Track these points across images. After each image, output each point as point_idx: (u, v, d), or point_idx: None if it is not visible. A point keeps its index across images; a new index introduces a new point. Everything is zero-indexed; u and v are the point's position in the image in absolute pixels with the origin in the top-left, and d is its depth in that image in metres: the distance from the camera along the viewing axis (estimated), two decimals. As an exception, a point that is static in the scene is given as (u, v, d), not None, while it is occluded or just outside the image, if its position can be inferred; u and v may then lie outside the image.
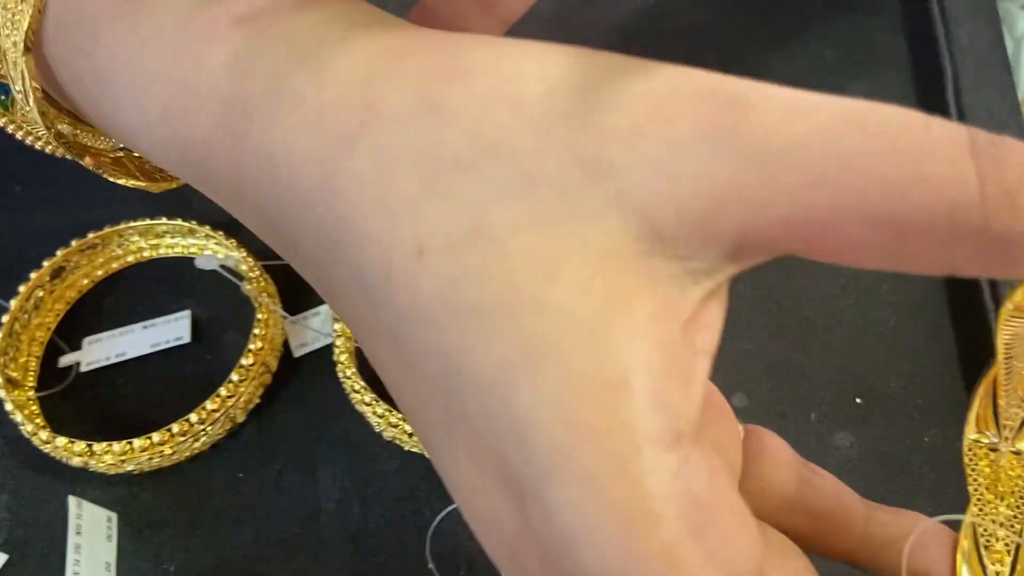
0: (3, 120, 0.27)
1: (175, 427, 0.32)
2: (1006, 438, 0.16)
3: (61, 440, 0.31)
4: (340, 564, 0.32)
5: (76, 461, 0.32)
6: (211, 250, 0.36)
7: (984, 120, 0.38)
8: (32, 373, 0.35)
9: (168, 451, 0.32)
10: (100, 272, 0.37)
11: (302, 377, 0.35)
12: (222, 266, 0.33)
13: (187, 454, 0.33)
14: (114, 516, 0.32)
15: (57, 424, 0.33)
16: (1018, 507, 0.16)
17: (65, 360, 0.35)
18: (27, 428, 0.32)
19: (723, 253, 0.16)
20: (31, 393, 0.34)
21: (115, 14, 0.20)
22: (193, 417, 0.32)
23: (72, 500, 0.31)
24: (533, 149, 0.16)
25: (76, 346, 0.35)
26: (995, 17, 0.43)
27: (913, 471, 0.32)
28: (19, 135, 0.26)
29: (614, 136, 0.16)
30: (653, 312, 0.16)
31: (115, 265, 0.37)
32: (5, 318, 0.34)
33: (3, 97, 0.27)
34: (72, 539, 0.30)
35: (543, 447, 0.15)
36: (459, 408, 0.16)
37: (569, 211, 0.16)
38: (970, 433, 0.17)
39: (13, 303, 0.34)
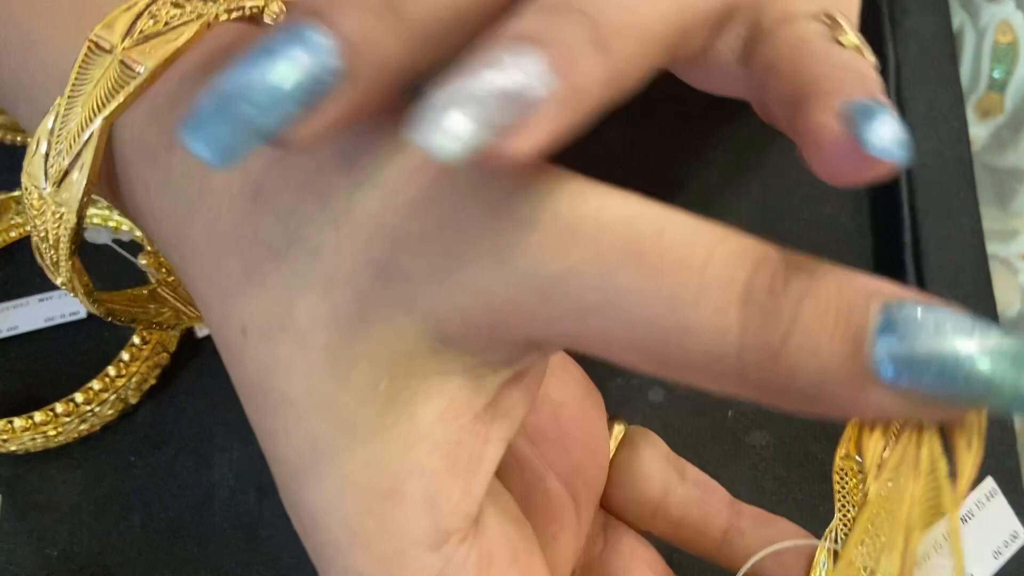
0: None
1: (59, 407, 0.30)
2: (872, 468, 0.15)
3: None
4: (231, 553, 0.30)
5: (-46, 438, 0.30)
6: (114, 222, 0.35)
7: (924, 112, 0.37)
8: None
9: (52, 432, 0.30)
10: (-5, 242, 0.35)
11: (203, 359, 0.34)
12: (115, 240, 0.32)
13: (75, 435, 0.31)
14: (-3, 498, 0.31)
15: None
16: (877, 527, 0.15)
17: (-50, 333, 0.33)
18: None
19: (514, 351, 0.16)
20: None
21: None
22: (79, 397, 0.30)
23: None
24: (333, 248, 0.16)
25: (-35, 318, 0.34)
26: (945, 7, 0.42)
27: (824, 468, 0.31)
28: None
29: (403, 242, 0.16)
30: (440, 411, 0.16)
31: (13, 234, 0.35)
32: None
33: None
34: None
35: (324, 545, 0.17)
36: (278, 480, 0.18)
37: (362, 312, 0.16)
38: (840, 452, 0.16)
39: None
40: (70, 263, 0.21)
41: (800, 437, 0.32)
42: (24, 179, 0.21)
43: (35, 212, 0.21)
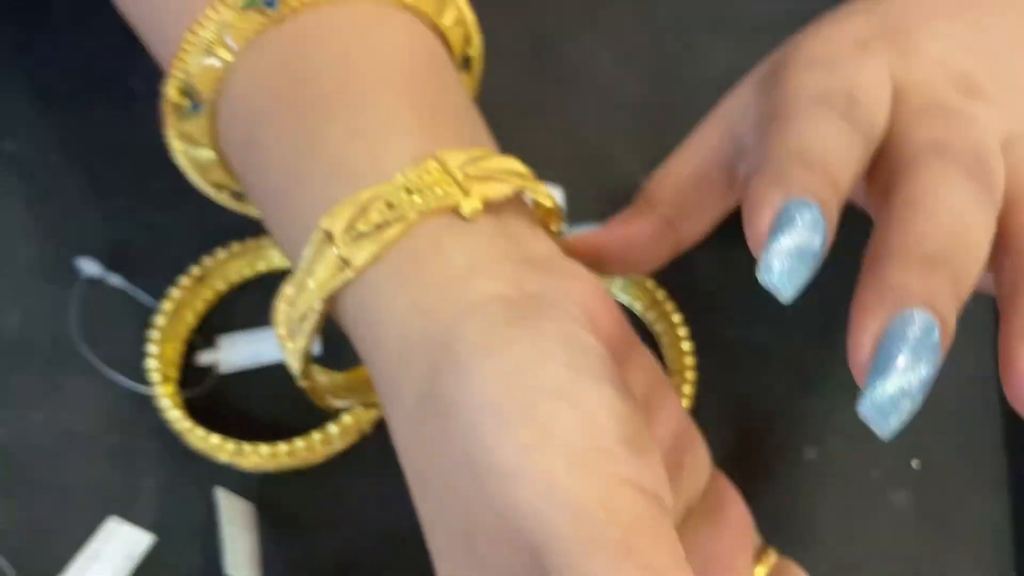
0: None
1: (316, 435, 0.35)
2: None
3: (215, 438, 0.35)
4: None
5: (223, 458, 0.35)
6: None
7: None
8: (175, 370, 0.38)
9: (304, 454, 0.36)
10: (236, 278, 0.40)
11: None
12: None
13: (319, 460, 0.36)
14: (252, 508, 0.36)
15: (196, 421, 0.37)
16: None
17: (204, 359, 0.38)
18: (184, 424, 0.35)
19: None
20: (173, 388, 0.37)
21: None
22: (333, 429, 0.35)
23: (220, 492, 0.35)
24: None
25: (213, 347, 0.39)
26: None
27: (959, 533, 0.36)
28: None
29: None
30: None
31: (247, 272, 0.40)
32: (160, 318, 0.37)
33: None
34: (226, 529, 0.34)
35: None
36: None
37: None
38: None
39: (166, 303, 0.38)
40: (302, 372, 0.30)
41: (936, 500, 0.37)
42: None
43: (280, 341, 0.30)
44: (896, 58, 0.28)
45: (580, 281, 0.27)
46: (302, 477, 0.37)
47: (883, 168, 0.27)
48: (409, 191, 0.26)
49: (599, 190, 0.43)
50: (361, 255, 0.26)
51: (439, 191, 0.26)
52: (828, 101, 0.26)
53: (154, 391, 0.36)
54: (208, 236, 0.40)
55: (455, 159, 0.27)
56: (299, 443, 0.35)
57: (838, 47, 0.29)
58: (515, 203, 0.28)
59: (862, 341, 0.23)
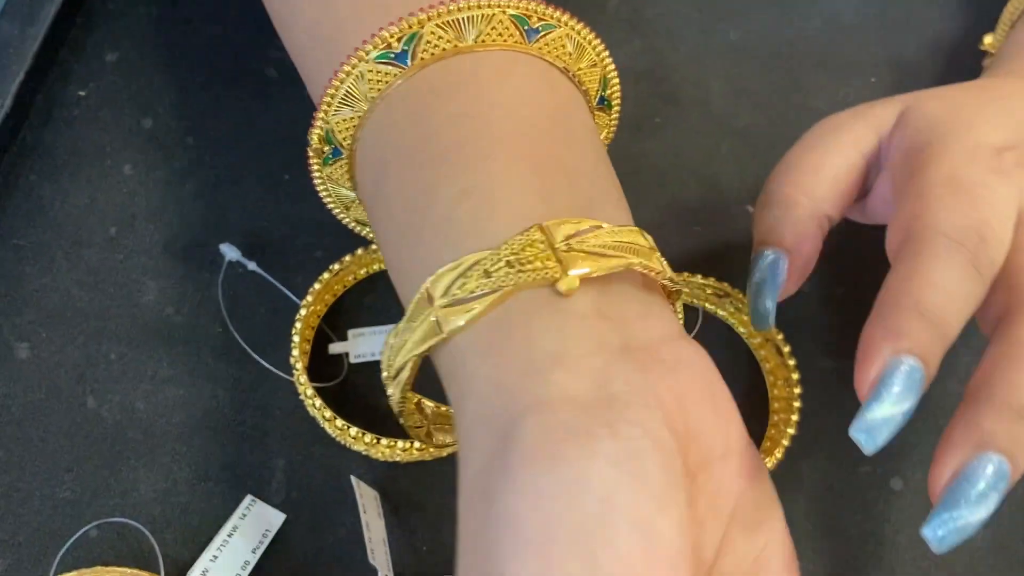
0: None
1: (446, 439, 0.38)
2: None
3: (354, 430, 0.37)
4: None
5: (357, 448, 0.38)
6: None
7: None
8: (307, 357, 0.40)
9: (433, 450, 0.38)
10: (363, 272, 0.42)
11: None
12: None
13: (444, 454, 0.39)
14: (378, 496, 0.38)
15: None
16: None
17: (335, 348, 0.40)
18: (325, 413, 0.37)
19: None
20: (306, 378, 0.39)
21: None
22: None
23: (354, 480, 0.37)
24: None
25: (341, 337, 0.41)
26: None
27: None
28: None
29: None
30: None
31: (376, 267, 0.42)
32: (303, 310, 0.39)
33: (330, 156, 0.33)
34: (363, 518, 0.36)
35: None
36: None
37: None
38: None
39: (308, 296, 0.40)
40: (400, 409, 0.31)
41: (1014, 534, 0.39)
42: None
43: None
44: None
45: (682, 374, 0.25)
46: (424, 467, 0.39)
47: (998, 296, 0.29)
48: (510, 262, 0.26)
49: (700, 206, 0.45)
50: (453, 322, 0.26)
51: (538, 264, 0.25)
52: (961, 241, 0.28)
53: (296, 378, 0.38)
54: (333, 228, 0.42)
55: (563, 230, 0.26)
56: (400, 443, 0.37)
57: (979, 167, 0.30)
58: (629, 277, 0.27)
59: (942, 472, 0.27)
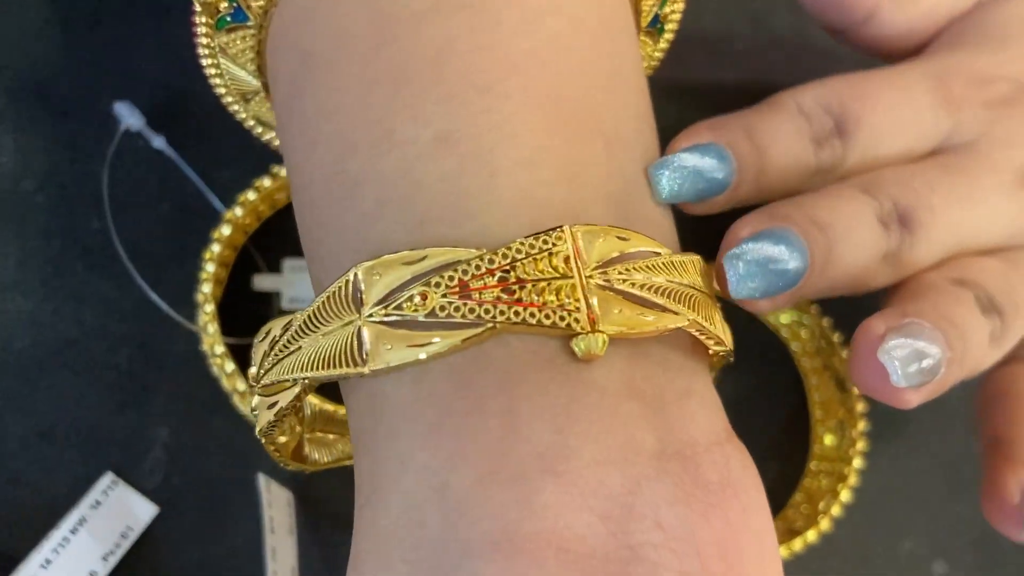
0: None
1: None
2: None
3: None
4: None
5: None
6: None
7: None
8: (219, 289, 0.28)
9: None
10: (318, 181, 0.30)
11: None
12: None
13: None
14: (292, 499, 0.28)
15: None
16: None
17: (262, 283, 0.29)
18: (237, 383, 0.26)
19: None
20: (217, 323, 0.28)
21: None
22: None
23: (262, 478, 0.27)
24: None
25: (273, 269, 0.29)
26: None
27: None
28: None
29: None
30: None
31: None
32: (225, 228, 0.27)
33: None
34: (265, 525, 0.26)
35: None
36: None
37: None
38: None
39: (235, 211, 0.28)
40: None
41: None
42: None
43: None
44: None
45: (731, 510, 0.17)
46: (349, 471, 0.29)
47: None
48: (506, 279, 0.17)
49: None
50: (387, 355, 0.17)
51: (553, 299, 0.17)
52: None
53: (201, 324, 0.27)
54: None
55: (599, 247, 0.17)
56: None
57: None
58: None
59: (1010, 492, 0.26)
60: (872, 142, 0.25)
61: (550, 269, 0.17)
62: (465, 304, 0.16)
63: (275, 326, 0.19)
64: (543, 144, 0.18)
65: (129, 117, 0.28)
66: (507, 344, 0.17)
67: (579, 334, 0.17)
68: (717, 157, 0.23)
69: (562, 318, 0.17)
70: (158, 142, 0.29)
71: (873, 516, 0.32)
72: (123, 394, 0.28)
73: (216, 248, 0.27)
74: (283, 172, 0.28)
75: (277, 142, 0.26)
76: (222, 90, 0.23)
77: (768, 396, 0.33)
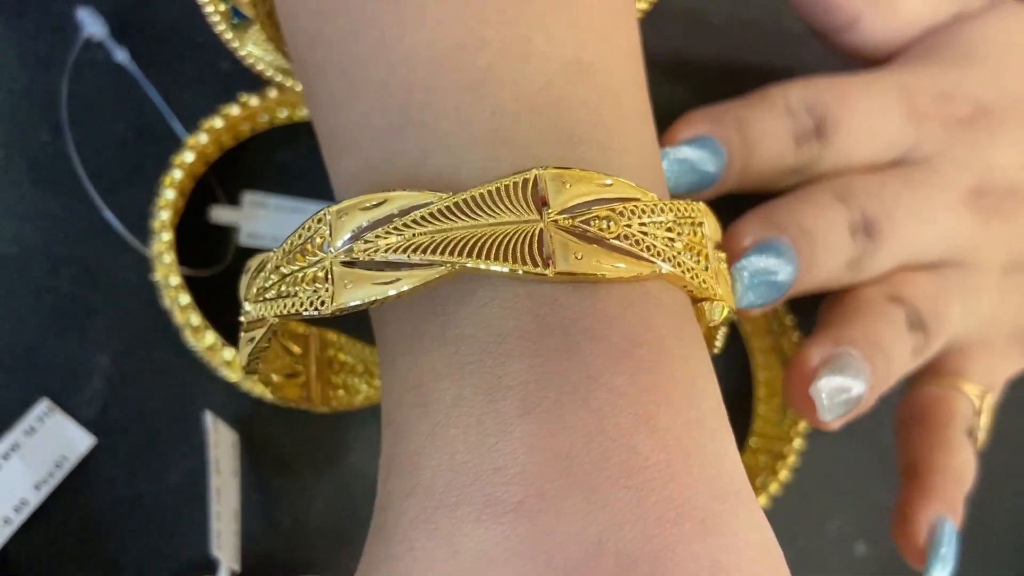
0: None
1: (341, 392, 0.26)
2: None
3: (229, 351, 0.25)
4: None
5: (226, 373, 0.26)
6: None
7: None
8: (176, 216, 0.27)
9: (334, 403, 0.27)
10: (285, 115, 0.29)
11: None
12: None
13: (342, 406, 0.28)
14: (237, 441, 0.27)
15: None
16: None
17: (220, 216, 0.28)
18: (191, 317, 0.25)
19: None
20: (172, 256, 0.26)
21: None
22: (364, 388, 0.27)
23: (209, 416, 0.26)
24: None
25: (232, 201, 0.28)
26: None
27: None
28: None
29: None
30: None
31: (300, 114, 0.29)
32: (188, 154, 0.26)
33: (235, 20, 0.23)
34: (211, 466, 0.25)
35: None
36: None
37: None
38: None
39: (200, 136, 0.26)
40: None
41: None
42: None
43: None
44: None
45: (738, 537, 0.17)
46: (309, 414, 0.28)
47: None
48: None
49: None
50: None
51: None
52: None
53: (156, 252, 0.26)
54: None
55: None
56: (343, 392, 0.26)
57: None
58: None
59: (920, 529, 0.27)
60: (846, 147, 0.26)
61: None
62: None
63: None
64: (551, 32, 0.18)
65: (92, 25, 0.26)
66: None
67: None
68: (712, 151, 0.25)
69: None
70: (120, 55, 0.27)
71: (805, 495, 0.33)
72: (63, 318, 0.26)
73: (177, 175, 0.26)
74: (252, 101, 0.27)
75: (276, 75, 0.25)
76: (215, 17, 0.22)
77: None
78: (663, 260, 0.17)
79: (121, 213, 0.27)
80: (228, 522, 0.25)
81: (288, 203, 0.28)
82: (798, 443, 0.31)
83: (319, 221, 0.17)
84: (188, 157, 0.26)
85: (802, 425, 0.31)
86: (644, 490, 0.15)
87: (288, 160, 0.29)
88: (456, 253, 0.16)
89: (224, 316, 0.27)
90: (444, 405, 0.16)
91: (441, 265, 0.16)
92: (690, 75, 0.35)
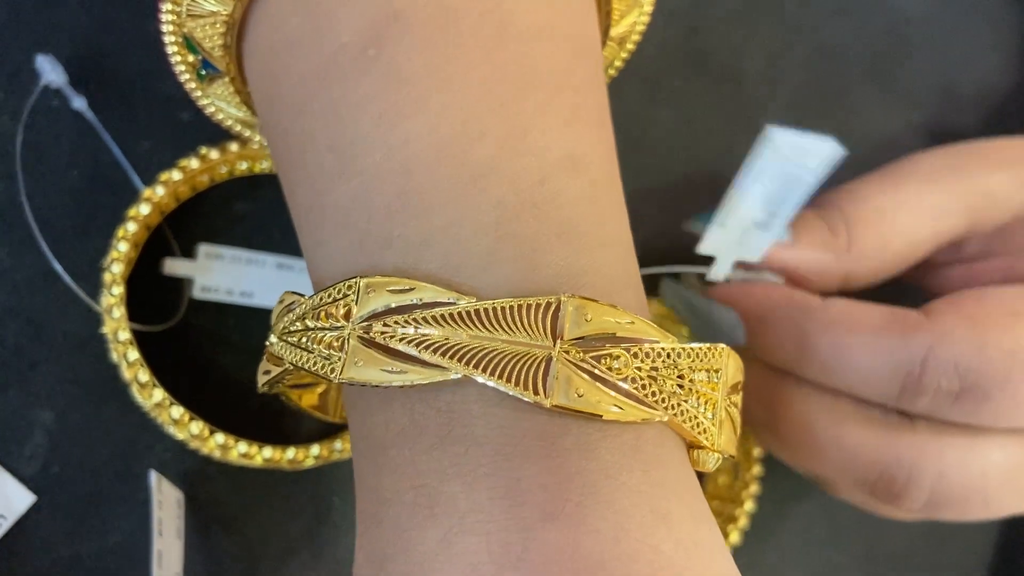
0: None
1: (292, 452, 0.26)
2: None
3: (178, 409, 0.25)
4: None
5: (175, 432, 0.25)
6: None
7: None
8: (127, 269, 0.26)
9: (289, 465, 0.26)
10: (245, 166, 0.28)
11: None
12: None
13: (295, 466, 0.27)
14: (182, 499, 0.26)
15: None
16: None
17: (174, 268, 0.27)
18: (139, 374, 0.25)
19: None
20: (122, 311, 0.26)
21: None
22: (315, 450, 0.26)
23: (154, 475, 0.25)
24: None
25: (187, 254, 0.28)
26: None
27: None
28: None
29: None
30: None
31: (267, 166, 0.29)
32: (144, 207, 0.25)
33: (204, 72, 0.22)
34: (154, 526, 0.24)
35: None
36: None
37: None
38: None
39: (156, 188, 0.26)
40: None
41: None
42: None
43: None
44: None
45: None
46: (259, 474, 0.27)
47: None
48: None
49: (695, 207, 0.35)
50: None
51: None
52: None
53: (105, 306, 0.25)
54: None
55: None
56: (267, 453, 0.26)
57: None
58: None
59: None
60: None
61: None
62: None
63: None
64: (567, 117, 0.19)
65: (51, 72, 0.26)
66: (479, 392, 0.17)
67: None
68: None
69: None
70: (78, 103, 0.27)
71: (758, 557, 0.33)
72: (6, 371, 0.26)
73: (131, 227, 0.25)
74: (212, 154, 0.27)
75: (238, 128, 0.24)
76: (182, 67, 0.22)
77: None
78: (666, 408, 0.17)
79: (72, 264, 0.26)
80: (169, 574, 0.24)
81: (244, 255, 0.28)
82: (749, 506, 0.31)
83: (349, 287, 0.17)
84: (144, 209, 0.26)
85: (753, 488, 0.31)
86: None
87: (246, 211, 0.28)
88: (466, 363, 0.16)
89: (174, 372, 0.26)
90: (457, 510, 0.16)
91: (449, 370, 0.16)
92: (648, 135, 0.35)
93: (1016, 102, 0.43)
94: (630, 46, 0.24)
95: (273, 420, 0.27)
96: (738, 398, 0.19)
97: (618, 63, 0.25)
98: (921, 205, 0.26)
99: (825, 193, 0.27)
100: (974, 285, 0.26)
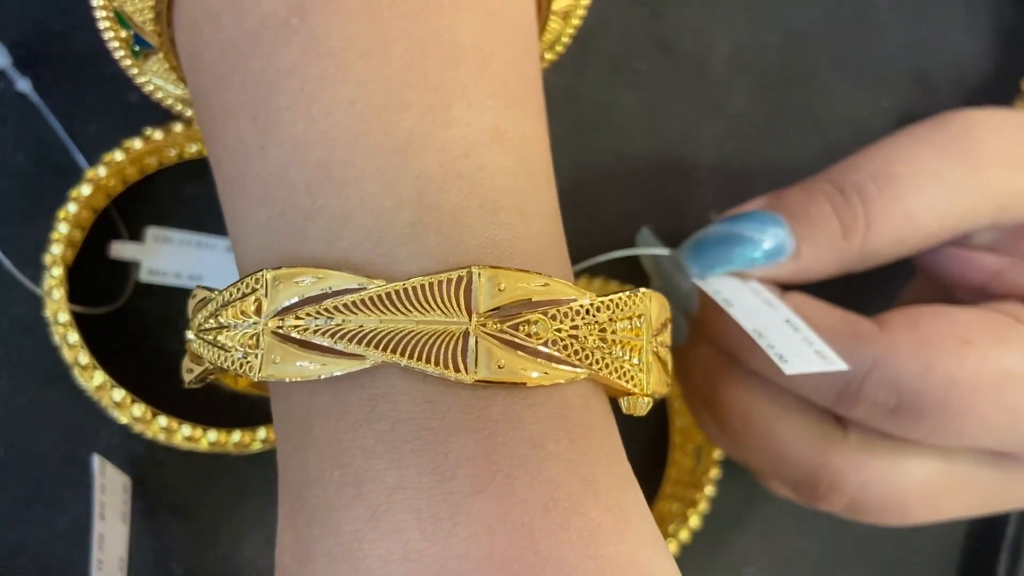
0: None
1: (238, 436, 0.26)
2: None
3: (119, 392, 0.24)
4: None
5: (117, 415, 0.25)
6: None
7: None
8: (72, 252, 0.26)
9: (236, 448, 0.26)
10: (195, 149, 0.28)
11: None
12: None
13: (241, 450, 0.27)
14: (129, 484, 0.26)
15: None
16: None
17: (119, 251, 0.27)
18: (80, 356, 0.24)
19: None
20: (65, 287, 0.26)
21: None
22: (262, 433, 0.26)
23: (97, 459, 0.25)
24: None
25: (135, 236, 0.27)
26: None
27: None
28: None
29: None
30: None
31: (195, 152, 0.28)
32: (85, 188, 0.25)
33: (138, 48, 0.22)
34: (96, 511, 0.24)
35: None
36: None
37: None
38: None
39: (99, 170, 0.26)
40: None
41: None
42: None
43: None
44: None
45: None
46: (205, 458, 0.27)
47: None
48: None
49: (659, 197, 0.35)
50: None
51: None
52: None
53: (47, 289, 0.25)
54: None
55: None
56: (211, 436, 0.25)
57: None
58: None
59: None
60: None
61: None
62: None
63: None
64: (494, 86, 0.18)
65: (-9, 53, 0.26)
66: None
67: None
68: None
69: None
70: (22, 85, 0.26)
71: (719, 542, 0.33)
72: (-50, 354, 0.25)
73: (72, 208, 0.25)
74: (156, 135, 0.26)
75: (179, 107, 0.24)
76: (115, 43, 0.22)
77: (629, 419, 0.33)
78: (589, 364, 0.17)
79: (17, 247, 0.26)
80: (112, 572, 0.24)
81: (194, 238, 0.28)
82: (709, 490, 0.31)
83: (257, 281, 0.17)
84: (85, 190, 0.25)
85: (714, 472, 0.31)
86: (602, 558, 0.16)
87: (196, 195, 0.28)
88: (383, 348, 0.16)
89: (120, 355, 0.26)
90: (384, 487, 0.16)
91: (367, 358, 0.16)
92: (612, 119, 0.35)
93: (989, 85, 0.42)
94: (576, 21, 0.24)
95: (222, 405, 0.27)
96: (666, 336, 0.19)
97: (565, 39, 0.25)
98: (951, 206, 0.24)
99: (840, 165, 0.25)
100: (968, 274, 0.25)
